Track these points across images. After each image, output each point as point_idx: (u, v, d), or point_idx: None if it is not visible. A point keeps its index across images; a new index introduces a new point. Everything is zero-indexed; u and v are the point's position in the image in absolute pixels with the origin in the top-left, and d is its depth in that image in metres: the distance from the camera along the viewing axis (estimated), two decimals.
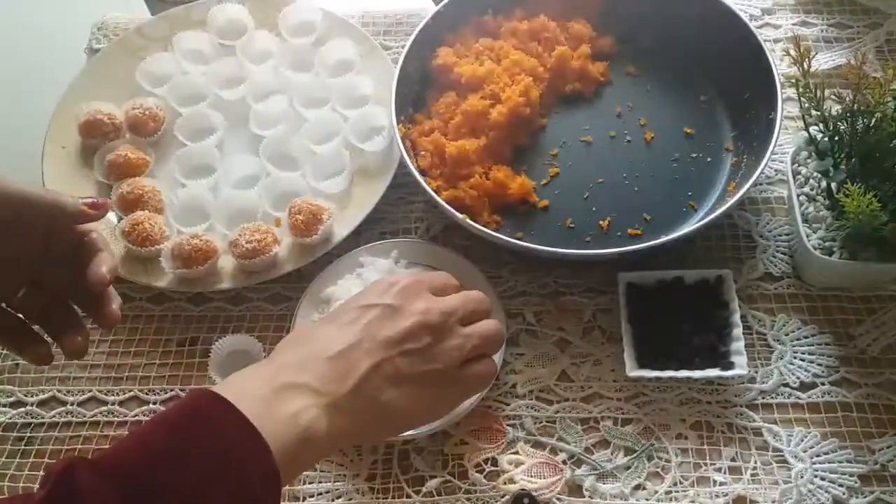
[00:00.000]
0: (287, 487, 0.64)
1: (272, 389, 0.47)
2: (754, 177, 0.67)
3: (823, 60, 0.85)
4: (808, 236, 0.67)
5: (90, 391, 0.71)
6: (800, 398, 0.66)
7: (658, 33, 0.84)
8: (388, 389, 0.50)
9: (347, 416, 0.48)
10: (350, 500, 0.64)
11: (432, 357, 0.52)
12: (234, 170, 0.81)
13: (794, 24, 0.88)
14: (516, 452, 0.65)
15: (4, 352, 0.74)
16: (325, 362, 0.50)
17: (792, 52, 0.66)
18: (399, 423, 0.53)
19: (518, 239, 0.72)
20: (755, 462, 0.63)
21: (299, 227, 0.73)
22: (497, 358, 0.67)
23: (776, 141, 0.69)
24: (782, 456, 0.64)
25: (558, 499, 0.63)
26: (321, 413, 0.47)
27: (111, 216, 0.79)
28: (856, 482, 0.62)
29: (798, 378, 0.67)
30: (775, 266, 0.73)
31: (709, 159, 0.77)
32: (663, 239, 0.67)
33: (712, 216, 0.67)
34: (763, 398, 0.66)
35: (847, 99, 0.65)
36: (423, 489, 0.64)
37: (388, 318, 0.52)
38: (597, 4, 0.86)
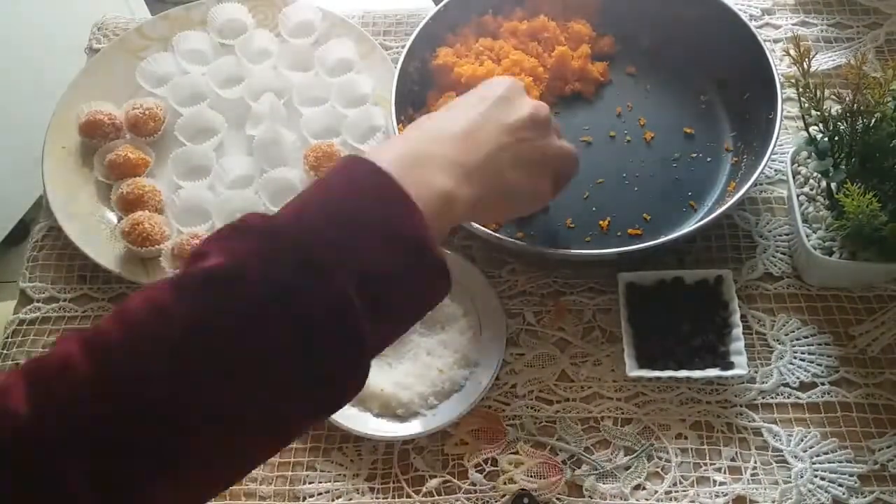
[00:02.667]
0: (287, 487, 0.65)
1: (412, 157, 0.49)
2: (754, 177, 0.67)
3: (823, 60, 0.84)
4: (807, 236, 0.67)
5: None
6: (800, 398, 0.66)
7: (658, 33, 0.84)
8: (509, 169, 0.54)
9: (478, 186, 0.51)
10: (350, 499, 0.64)
11: (543, 147, 0.57)
12: (230, 170, 0.81)
13: (793, 24, 0.88)
14: (516, 452, 0.65)
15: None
16: (456, 137, 0.52)
17: (792, 52, 0.66)
18: (517, 200, 0.57)
19: (518, 239, 0.72)
20: (755, 462, 0.63)
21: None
22: (496, 358, 0.67)
23: (776, 141, 0.69)
24: (782, 456, 0.64)
25: (558, 499, 0.63)
26: (457, 180, 0.49)
27: (111, 216, 0.79)
28: (855, 482, 0.62)
29: (798, 378, 0.67)
30: (775, 266, 0.73)
31: (709, 159, 0.77)
32: (663, 239, 0.67)
33: (712, 216, 0.67)
34: (763, 398, 0.66)
35: (847, 99, 0.65)
36: (423, 489, 0.64)
37: (506, 106, 0.56)
38: (597, 4, 0.86)
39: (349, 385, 0.43)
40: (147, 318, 0.39)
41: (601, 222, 0.74)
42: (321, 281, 0.40)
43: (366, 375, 0.43)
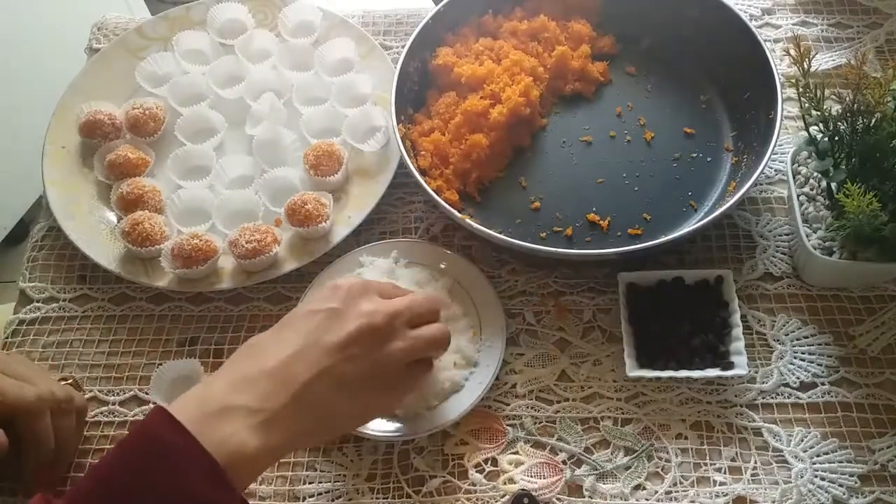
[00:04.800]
0: (287, 487, 0.65)
1: (206, 414, 0.48)
2: (754, 176, 0.67)
3: (823, 60, 0.84)
4: (808, 236, 0.67)
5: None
6: (800, 398, 0.66)
7: (658, 33, 0.84)
8: (332, 394, 0.51)
9: (284, 428, 0.49)
10: (350, 499, 0.64)
11: (377, 361, 0.53)
12: (229, 170, 0.81)
13: (794, 24, 0.88)
14: (516, 452, 0.65)
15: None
16: (265, 377, 0.50)
17: (792, 52, 0.66)
18: (344, 423, 0.55)
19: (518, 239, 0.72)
20: (755, 462, 0.63)
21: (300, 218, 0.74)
22: (496, 358, 0.67)
23: (776, 141, 0.69)
24: (782, 456, 0.64)
25: (558, 499, 0.63)
26: (250, 434, 0.48)
27: (111, 216, 0.79)
28: (856, 482, 0.62)
29: (798, 378, 0.67)
30: (775, 266, 0.73)
31: (709, 159, 0.77)
32: (663, 239, 0.67)
33: (712, 216, 0.67)
34: (763, 398, 0.66)
35: (847, 99, 0.65)
36: (423, 489, 0.64)
37: (333, 322, 0.53)
38: (597, 4, 0.86)
39: None
40: None
41: (601, 222, 0.74)
42: None
43: None
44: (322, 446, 0.66)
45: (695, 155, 0.77)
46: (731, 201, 0.68)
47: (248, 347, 0.53)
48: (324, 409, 0.51)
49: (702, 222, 0.68)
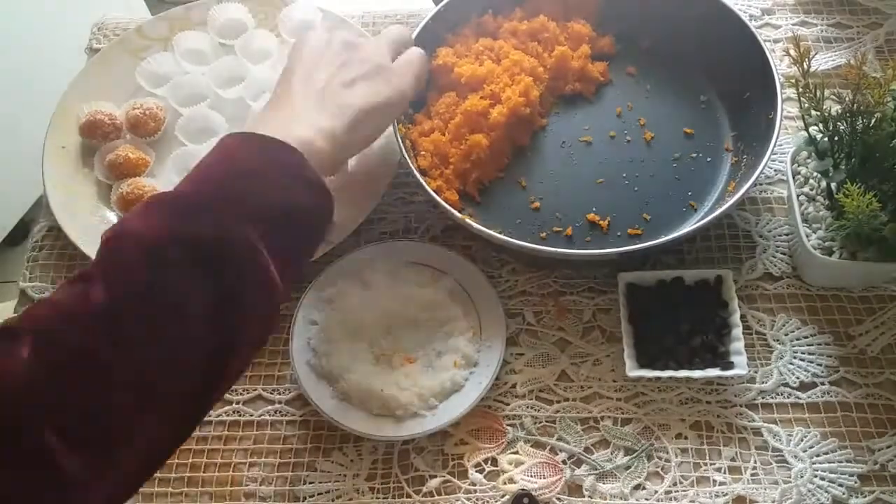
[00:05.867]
0: (287, 487, 0.65)
1: (263, 124, 0.57)
2: (754, 177, 0.67)
3: (823, 60, 0.85)
4: (807, 236, 0.67)
5: None
6: (799, 398, 0.66)
7: (658, 33, 0.84)
8: (345, 92, 0.61)
9: (329, 120, 0.59)
10: (350, 499, 0.64)
11: (362, 58, 0.64)
12: None
13: (793, 24, 0.88)
14: (516, 452, 0.65)
15: None
16: (297, 96, 0.61)
17: (792, 52, 0.66)
18: (375, 111, 0.63)
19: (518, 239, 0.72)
20: (755, 462, 0.63)
21: None
22: (497, 358, 0.67)
23: (776, 141, 0.69)
24: (782, 456, 0.64)
25: (558, 499, 0.63)
26: (310, 128, 0.57)
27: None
28: (855, 482, 0.62)
29: (798, 378, 0.67)
30: (775, 266, 0.73)
31: (709, 159, 0.77)
32: (663, 239, 0.67)
33: (712, 216, 0.67)
34: (763, 398, 0.66)
35: (847, 99, 0.65)
36: (423, 489, 0.64)
37: (321, 49, 0.64)
38: (597, 4, 0.86)
39: (268, 313, 0.51)
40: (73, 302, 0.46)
41: (601, 222, 0.74)
42: (230, 234, 0.48)
43: (278, 306, 0.52)
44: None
45: (694, 155, 0.77)
46: (731, 201, 0.68)
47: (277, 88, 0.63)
48: (348, 106, 0.60)
49: (701, 222, 0.68)
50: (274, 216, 0.51)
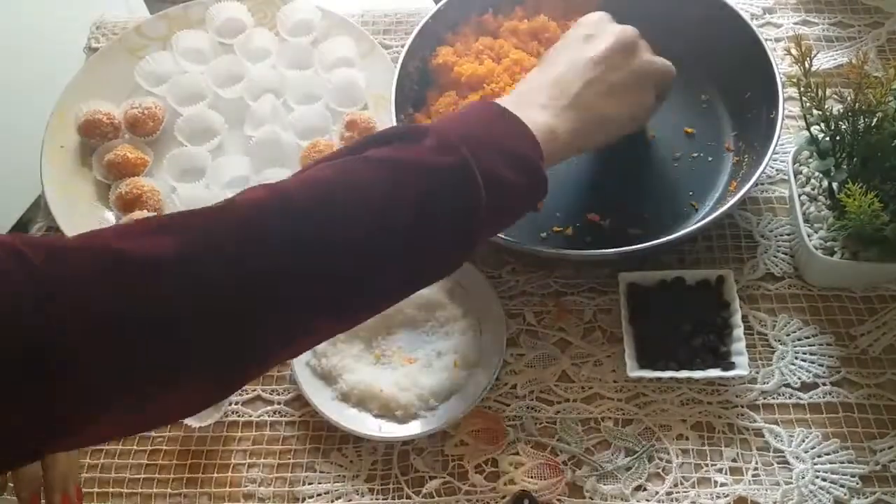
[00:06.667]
0: (287, 488, 0.64)
1: (515, 103, 0.58)
2: (755, 177, 0.67)
3: (825, 59, 0.84)
4: (809, 236, 0.67)
5: None
6: (801, 398, 0.66)
7: (658, 33, 0.83)
8: (601, 100, 0.61)
9: (573, 121, 0.59)
10: (350, 500, 0.64)
11: (633, 69, 0.63)
12: (227, 170, 0.81)
13: (795, 23, 0.88)
14: (517, 453, 0.65)
15: None
16: (548, 85, 0.61)
17: (793, 51, 0.66)
18: (617, 123, 0.64)
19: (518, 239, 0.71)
20: (756, 463, 0.63)
21: None
22: (497, 359, 0.67)
23: (777, 141, 0.68)
24: (783, 457, 0.63)
25: (559, 500, 0.63)
26: (555, 117, 0.59)
27: (110, 216, 0.79)
28: (857, 483, 0.62)
29: (799, 378, 0.67)
30: (776, 266, 0.72)
31: (710, 159, 0.77)
32: (664, 239, 0.67)
33: (713, 216, 0.67)
34: (764, 398, 0.66)
35: (848, 98, 0.65)
36: (423, 490, 0.64)
37: (588, 44, 0.64)
38: (597, 3, 0.85)
39: (466, 243, 0.54)
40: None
41: (601, 222, 0.73)
42: (460, 163, 0.51)
43: (472, 249, 0.54)
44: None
45: (695, 155, 0.77)
46: (732, 201, 0.68)
47: (542, 64, 0.65)
48: (597, 113, 0.61)
49: (702, 222, 0.67)
50: (493, 178, 0.53)
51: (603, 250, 0.69)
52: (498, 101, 0.60)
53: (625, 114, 0.63)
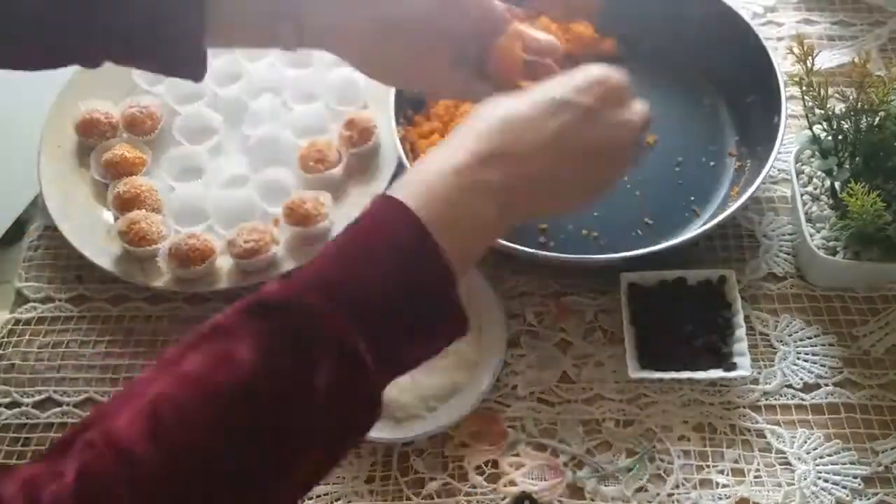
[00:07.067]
0: None
1: (458, 188, 0.46)
2: (757, 182, 0.67)
3: (827, 59, 0.84)
4: (811, 236, 0.66)
5: (86, 392, 0.71)
6: (803, 399, 0.66)
7: (661, 36, 0.83)
8: (567, 187, 0.51)
9: (524, 205, 0.50)
10: (349, 502, 0.64)
11: (613, 165, 0.53)
12: (226, 169, 0.81)
13: (797, 23, 0.88)
14: (517, 454, 0.64)
15: None
16: (514, 159, 0.48)
17: (795, 51, 0.66)
18: (572, 200, 0.54)
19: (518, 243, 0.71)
20: (758, 464, 0.63)
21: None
22: (497, 359, 0.67)
23: (779, 146, 0.68)
24: (785, 458, 0.63)
25: (559, 501, 0.62)
26: (499, 211, 0.47)
27: (108, 215, 0.79)
28: (859, 484, 0.61)
29: (801, 379, 0.66)
30: (778, 266, 0.72)
31: (712, 163, 0.76)
32: (665, 244, 0.66)
33: (714, 221, 0.66)
34: (766, 399, 0.66)
35: (850, 97, 0.65)
36: (423, 491, 0.63)
37: (587, 124, 0.50)
38: (598, 6, 0.85)
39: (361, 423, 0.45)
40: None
41: (603, 226, 0.73)
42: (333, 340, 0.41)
43: (376, 416, 0.45)
44: None
45: (697, 159, 0.77)
46: (734, 207, 0.67)
47: (501, 123, 0.49)
48: (556, 191, 0.51)
49: (704, 227, 0.67)
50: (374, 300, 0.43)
51: (604, 255, 0.69)
52: (446, 160, 0.47)
53: (588, 190, 0.54)
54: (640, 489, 0.62)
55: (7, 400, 0.71)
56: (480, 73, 0.60)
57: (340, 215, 0.76)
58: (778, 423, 0.64)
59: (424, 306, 0.45)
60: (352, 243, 0.45)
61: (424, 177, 0.47)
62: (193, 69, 0.57)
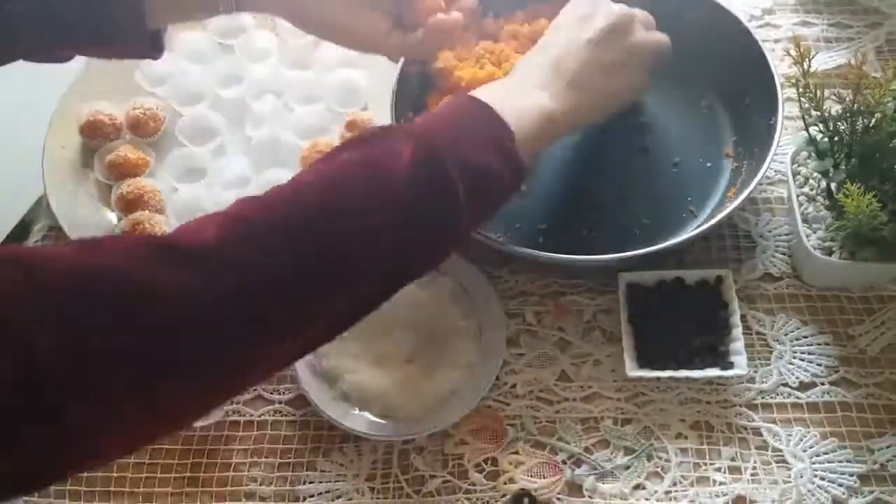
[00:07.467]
0: (287, 488, 0.65)
1: (508, 91, 0.61)
2: (754, 183, 0.67)
3: (823, 60, 0.85)
4: (807, 236, 0.67)
5: None
6: (799, 398, 0.66)
7: None
8: (599, 79, 0.63)
9: (572, 101, 0.62)
10: (350, 499, 0.64)
11: (627, 49, 0.64)
12: (227, 170, 0.81)
13: (794, 24, 0.88)
14: (516, 452, 0.65)
15: None
16: (546, 67, 0.63)
17: (792, 53, 0.66)
18: (614, 100, 0.66)
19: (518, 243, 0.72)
20: (755, 462, 0.63)
21: None
22: (497, 358, 0.67)
23: (776, 147, 0.68)
24: (782, 456, 0.64)
25: (558, 498, 0.63)
26: (552, 99, 0.61)
27: (111, 216, 0.79)
28: (855, 482, 0.62)
29: (797, 378, 0.67)
30: (775, 266, 0.73)
31: (708, 164, 0.77)
32: (662, 245, 0.67)
33: (711, 222, 0.67)
34: (762, 398, 0.66)
35: (847, 99, 0.65)
36: (423, 489, 0.64)
37: (584, 25, 0.64)
38: None
39: (447, 242, 0.56)
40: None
41: (600, 227, 0.73)
42: (435, 166, 0.53)
43: (456, 242, 0.57)
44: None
45: (695, 160, 0.77)
46: (731, 207, 0.67)
47: (525, 60, 0.66)
48: (596, 92, 0.63)
49: (701, 228, 0.67)
50: (470, 168, 0.54)
51: (601, 256, 0.69)
52: (498, 83, 0.63)
53: (621, 91, 0.65)
54: (637, 486, 0.63)
55: None
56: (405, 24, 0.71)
57: None
58: (774, 422, 0.65)
59: (503, 161, 0.56)
60: (441, 112, 0.59)
61: (489, 89, 0.61)
62: (143, 47, 0.64)
